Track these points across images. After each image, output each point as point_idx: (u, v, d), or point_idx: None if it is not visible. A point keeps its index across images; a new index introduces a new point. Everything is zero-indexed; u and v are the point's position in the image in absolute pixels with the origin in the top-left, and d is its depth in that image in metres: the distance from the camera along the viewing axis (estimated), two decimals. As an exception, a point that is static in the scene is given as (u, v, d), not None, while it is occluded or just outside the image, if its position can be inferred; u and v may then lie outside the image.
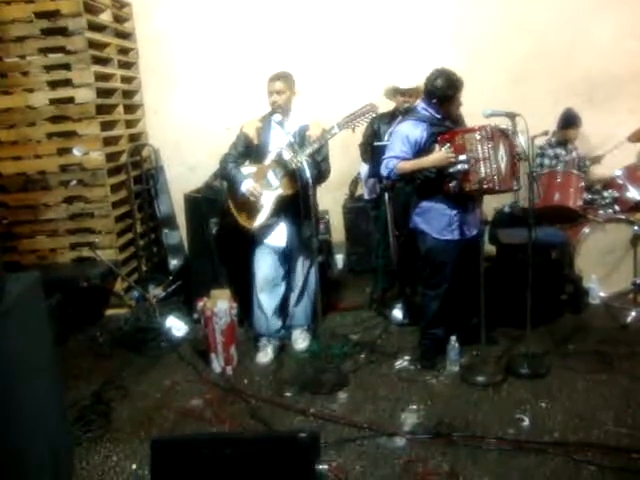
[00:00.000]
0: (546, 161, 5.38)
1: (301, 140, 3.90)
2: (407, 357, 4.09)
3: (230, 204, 4.19)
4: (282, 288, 4.28)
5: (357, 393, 3.73)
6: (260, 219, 4.04)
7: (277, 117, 3.87)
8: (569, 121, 5.38)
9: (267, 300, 4.22)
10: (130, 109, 6.04)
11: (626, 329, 4.38)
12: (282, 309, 4.35)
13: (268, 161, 4.02)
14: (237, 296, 4.21)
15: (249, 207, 4.07)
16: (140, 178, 5.92)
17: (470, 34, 5.97)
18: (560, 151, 5.41)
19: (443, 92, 3.66)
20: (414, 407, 3.52)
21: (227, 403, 3.69)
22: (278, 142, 3.99)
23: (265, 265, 4.17)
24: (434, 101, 3.72)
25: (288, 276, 4.29)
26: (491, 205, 5.37)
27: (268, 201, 4.02)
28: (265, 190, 4.01)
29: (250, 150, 4.15)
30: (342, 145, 5.75)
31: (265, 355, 4.21)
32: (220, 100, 6.20)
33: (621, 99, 6.18)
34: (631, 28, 6.03)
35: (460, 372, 3.84)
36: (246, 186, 3.97)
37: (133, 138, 6.01)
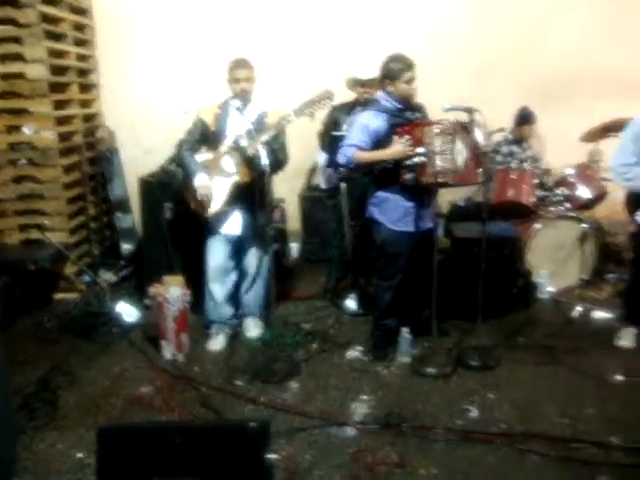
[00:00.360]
0: (499, 158, 5.46)
1: (259, 127, 3.86)
2: (359, 347, 4.11)
3: (185, 191, 4.13)
4: (234, 276, 4.25)
5: (308, 382, 3.73)
6: (215, 206, 4.00)
7: (236, 103, 3.82)
8: (524, 118, 5.48)
9: (219, 288, 4.18)
10: (85, 88, 5.89)
11: (572, 324, 4.50)
12: (234, 297, 4.32)
13: (225, 148, 3.97)
14: (190, 283, 4.15)
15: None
16: (94, 160, 5.78)
17: (434, 26, 6.00)
18: (515, 149, 5.50)
19: (393, 69, 3.68)
20: (365, 397, 3.54)
21: (177, 391, 3.64)
22: (236, 129, 3.93)
23: (218, 253, 4.12)
24: (387, 82, 3.72)
25: (241, 264, 4.26)
26: (446, 198, 5.45)
27: (224, 188, 3.98)
28: (220, 177, 3.96)
29: (207, 137, 4.08)
30: (300, 134, 5.69)
31: (217, 343, 4.18)
32: (179, 82, 6.10)
33: (575, 100, 6.30)
34: (587, 31, 6.15)
35: (411, 363, 3.88)
36: (199, 182, 3.93)
37: (88, 118, 5.87)
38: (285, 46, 5.96)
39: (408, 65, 3.67)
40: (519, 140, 5.53)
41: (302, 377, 3.79)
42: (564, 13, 6.10)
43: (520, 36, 6.08)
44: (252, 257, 4.22)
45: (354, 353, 4.07)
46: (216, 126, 4.02)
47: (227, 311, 4.26)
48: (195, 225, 4.13)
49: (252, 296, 4.32)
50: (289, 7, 5.93)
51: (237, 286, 4.30)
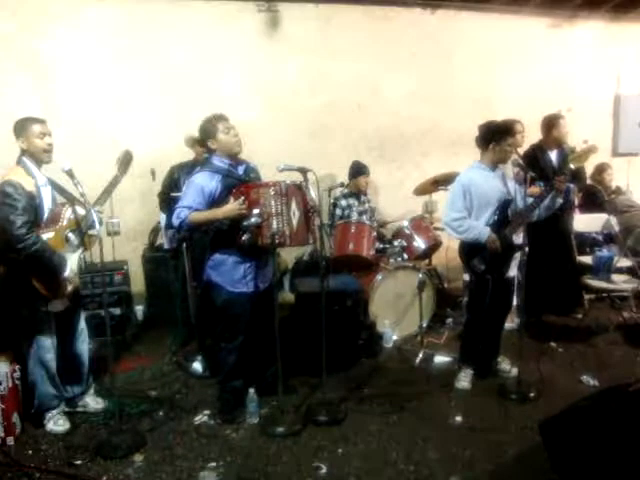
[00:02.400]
0: (338, 211, 5.64)
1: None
2: (207, 411, 3.98)
3: (31, 276, 3.56)
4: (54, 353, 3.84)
5: (154, 454, 3.54)
6: (68, 288, 3.66)
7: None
8: (357, 170, 5.73)
9: (52, 364, 3.79)
10: None
11: (415, 370, 4.66)
12: (70, 372, 3.98)
13: (65, 221, 3.62)
14: (19, 359, 3.81)
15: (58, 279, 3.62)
16: None
17: (270, 87, 6.18)
18: (353, 201, 5.71)
19: (207, 127, 3.73)
20: (213, 464, 3.42)
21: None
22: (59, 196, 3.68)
23: (50, 328, 3.74)
24: (209, 141, 3.75)
25: (67, 338, 3.91)
26: (292, 254, 5.54)
27: (74, 265, 3.64)
28: (68, 253, 3.62)
29: (32, 209, 3.51)
30: (141, 193, 5.64)
31: (54, 422, 3.82)
32: None
33: (408, 155, 6.76)
34: (416, 91, 6.65)
35: (260, 424, 3.81)
36: (69, 271, 3.58)
37: None
38: (128, 102, 5.83)
39: (219, 117, 3.74)
40: (356, 193, 5.75)
41: (148, 448, 3.59)
42: (393, 75, 6.55)
43: (354, 96, 6.45)
44: (79, 328, 3.96)
45: (202, 418, 3.93)
46: (38, 195, 3.56)
47: (63, 388, 3.91)
48: (23, 300, 3.71)
49: (83, 370, 4.02)
50: (129, 69, 5.83)
51: (66, 362, 3.94)
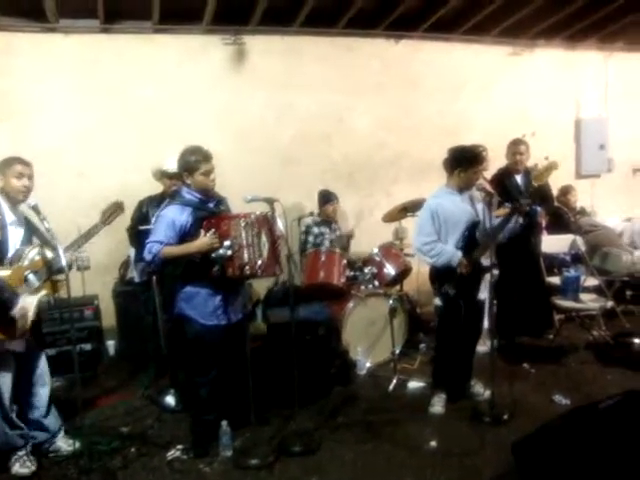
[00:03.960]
0: (310, 238, 5.69)
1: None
2: (180, 446, 3.91)
3: None
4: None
5: (125, 493, 3.48)
6: (22, 330, 3.47)
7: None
8: (325, 198, 5.78)
9: (7, 403, 3.62)
10: None
11: (389, 397, 4.66)
12: (31, 415, 3.83)
13: (26, 261, 3.51)
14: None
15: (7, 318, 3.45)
16: None
17: (237, 119, 6.24)
18: (325, 229, 5.76)
19: (190, 162, 3.69)
20: (186, 500, 3.37)
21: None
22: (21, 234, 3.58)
23: (9, 373, 3.60)
24: (186, 175, 3.73)
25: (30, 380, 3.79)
26: (264, 284, 5.53)
27: (31, 306, 3.48)
28: (25, 294, 3.49)
29: None
30: (111, 227, 5.54)
31: (21, 464, 3.66)
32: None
33: (377, 182, 6.83)
34: (382, 120, 6.76)
35: (233, 457, 3.76)
36: (21, 310, 3.41)
37: None
38: (94, 136, 5.82)
39: (204, 157, 3.70)
40: (328, 221, 5.79)
41: (119, 487, 3.53)
42: (360, 104, 6.66)
43: (321, 126, 6.53)
44: (34, 373, 3.80)
45: (175, 453, 3.86)
46: (2, 233, 3.49)
47: (22, 428, 3.74)
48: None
49: (44, 414, 3.87)
50: (95, 103, 5.84)
51: (25, 406, 3.81)
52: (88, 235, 3.72)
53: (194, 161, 3.68)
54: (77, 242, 3.68)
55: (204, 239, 3.56)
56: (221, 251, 3.52)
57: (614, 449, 2.83)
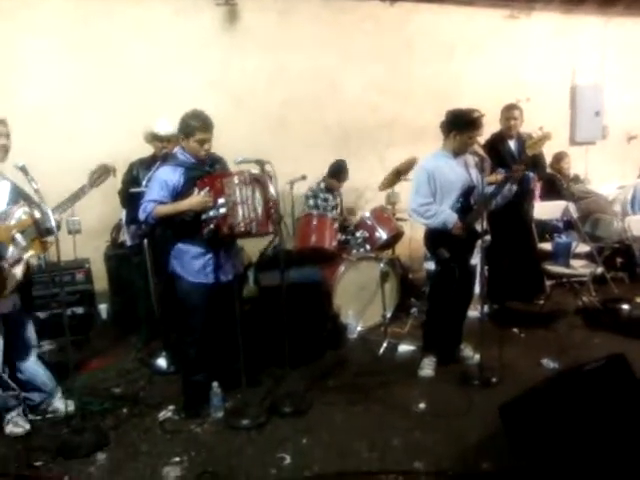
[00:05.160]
0: (319, 202, 5.75)
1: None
2: (171, 407, 3.96)
3: None
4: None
5: (118, 452, 3.51)
6: (10, 288, 3.46)
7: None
8: (338, 171, 5.80)
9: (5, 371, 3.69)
10: None
11: (380, 360, 4.71)
12: (24, 377, 3.83)
13: (13, 220, 3.47)
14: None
15: None
16: None
17: (229, 81, 6.16)
18: (329, 196, 5.81)
19: (188, 126, 3.68)
20: (177, 459, 3.40)
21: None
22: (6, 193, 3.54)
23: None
24: (181, 137, 3.75)
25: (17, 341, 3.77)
26: (256, 248, 5.53)
27: (19, 267, 3.48)
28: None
29: None
30: (102, 191, 5.48)
31: (14, 424, 3.71)
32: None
33: (371, 147, 6.79)
34: (376, 83, 6.69)
35: (224, 417, 3.81)
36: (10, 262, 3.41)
37: None
38: (83, 99, 5.72)
39: (204, 125, 3.66)
40: (331, 189, 5.81)
41: (111, 447, 3.55)
42: (353, 67, 6.59)
43: (314, 89, 6.46)
44: (21, 336, 3.78)
45: (166, 414, 3.91)
46: None
47: (14, 388, 3.76)
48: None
49: (41, 371, 3.89)
50: (84, 64, 5.73)
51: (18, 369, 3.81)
52: (75, 197, 3.67)
53: (193, 126, 3.66)
54: (64, 204, 3.64)
55: (197, 197, 3.58)
56: (215, 210, 3.53)
57: (598, 410, 2.87)
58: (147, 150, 4.85)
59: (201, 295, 3.75)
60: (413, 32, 6.87)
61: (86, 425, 3.67)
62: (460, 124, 4.10)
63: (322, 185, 5.85)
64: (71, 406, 3.78)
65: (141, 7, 5.83)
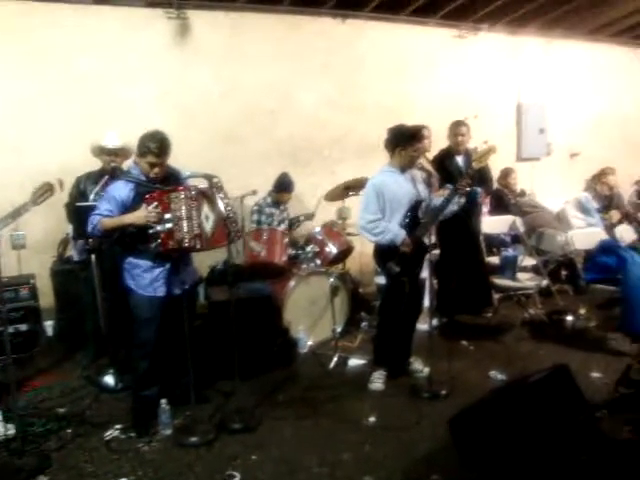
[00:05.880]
0: (263, 218, 5.70)
1: None
2: (118, 426, 3.88)
3: None
4: None
5: (60, 475, 3.40)
6: None
7: None
8: (282, 186, 5.79)
9: None
10: None
11: (330, 374, 4.71)
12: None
13: None
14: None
15: None
16: None
17: (180, 94, 6.13)
18: (275, 210, 5.78)
19: (143, 146, 3.65)
20: None
21: None
22: None
23: None
24: (135, 154, 3.74)
25: None
26: (206, 263, 5.48)
27: None
28: None
29: None
30: (48, 204, 5.38)
31: None
32: None
33: (321, 161, 6.84)
34: (328, 98, 6.75)
35: (173, 435, 3.75)
36: None
37: None
38: (31, 110, 5.60)
39: (158, 150, 3.63)
40: (277, 202, 5.80)
41: (53, 469, 3.44)
42: (306, 82, 6.64)
43: (266, 103, 6.49)
44: None
45: (113, 432, 3.83)
46: None
47: None
48: None
49: None
50: (31, 74, 5.60)
51: None
52: (16, 214, 3.61)
53: (147, 148, 3.63)
54: (5, 219, 3.59)
55: (141, 211, 3.56)
56: (162, 225, 3.52)
57: (543, 419, 2.94)
58: (96, 164, 4.78)
59: (152, 308, 3.73)
60: (365, 49, 6.96)
61: (27, 448, 3.55)
62: (403, 139, 4.18)
63: (269, 200, 5.83)
64: (11, 429, 3.68)
65: (91, 19, 5.75)
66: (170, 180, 3.85)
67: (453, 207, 4.29)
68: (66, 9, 5.67)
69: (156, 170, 3.69)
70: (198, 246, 3.63)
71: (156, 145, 3.62)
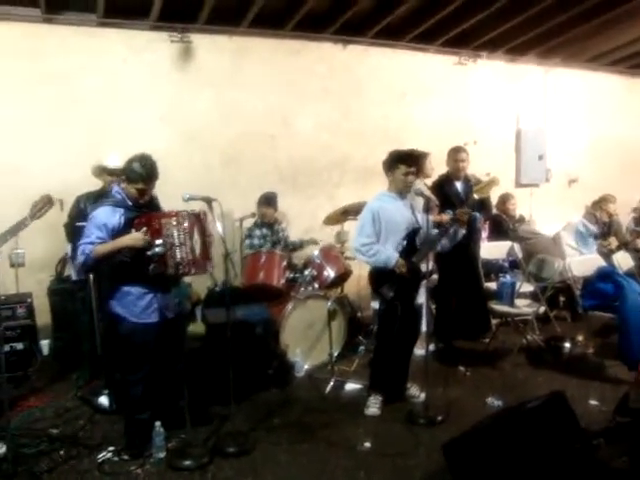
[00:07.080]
0: (255, 241, 5.68)
1: None
2: (111, 448, 3.83)
3: None
4: None
5: (51, 496, 3.38)
6: None
7: None
8: (263, 199, 5.81)
9: None
10: None
11: (326, 398, 4.68)
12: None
13: None
14: None
15: None
16: None
17: (182, 117, 6.17)
18: (267, 232, 5.77)
19: (131, 171, 3.58)
20: (115, 503, 3.31)
21: None
22: None
23: None
24: (123, 178, 3.66)
25: None
26: (204, 284, 5.48)
27: None
28: None
29: None
30: (48, 223, 5.41)
31: None
32: None
33: (321, 185, 6.87)
34: (328, 123, 6.80)
35: (167, 458, 3.71)
36: None
37: None
38: (33, 130, 5.64)
39: (147, 176, 3.58)
40: (268, 223, 5.80)
41: (43, 492, 3.41)
42: (306, 107, 6.70)
43: (266, 127, 6.54)
44: None
45: (106, 454, 3.78)
46: None
47: None
48: None
49: None
50: (34, 95, 5.66)
51: None
52: (16, 229, 3.61)
53: (137, 175, 3.57)
54: (4, 235, 3.58)
55: (134, 234, 3.50)
56: (156, 249, 3.48)
57: (539, 446, 2.92)
58: (96, 185, 4.81)
59: (146, 334, 3.67)
60: (365, 75, 7.04)
61: (18, 469, 3.51)
62: (392, 162, 4.20)
63: (258, 220, 5.82)
64: (2, 448, 3.64)
65: (95, 41, 5.82)
66: (152, 203, 3.83)
67: (455, 237, 4.31)
68: (70, 31, 5.74)
69: (146, 197, 3.67)
70: (192, 272, 3.64)
71: (147, 172, 3.58)
